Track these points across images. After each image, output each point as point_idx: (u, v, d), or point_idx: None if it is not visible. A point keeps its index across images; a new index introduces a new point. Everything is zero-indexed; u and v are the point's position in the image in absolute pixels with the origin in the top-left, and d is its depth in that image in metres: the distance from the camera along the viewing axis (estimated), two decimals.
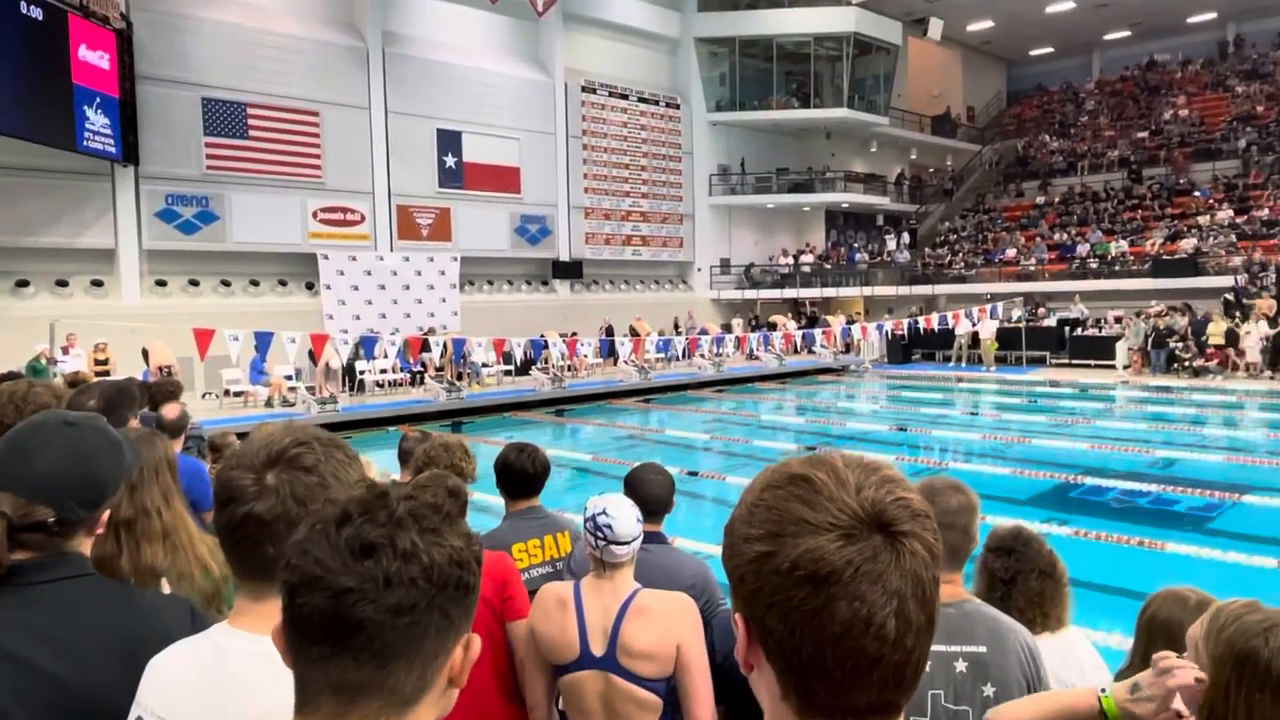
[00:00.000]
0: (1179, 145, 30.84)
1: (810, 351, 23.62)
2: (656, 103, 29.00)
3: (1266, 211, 25.64)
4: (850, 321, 26.23)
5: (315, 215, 21.28)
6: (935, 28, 32.23)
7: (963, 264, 30.01)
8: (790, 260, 31.01)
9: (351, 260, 21.73)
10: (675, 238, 29.69)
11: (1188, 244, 25.32)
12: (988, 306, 23.45)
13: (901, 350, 26.29)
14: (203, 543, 2.19)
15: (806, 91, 30.07)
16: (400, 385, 19.55)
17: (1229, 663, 1.46)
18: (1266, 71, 32.74)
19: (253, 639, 1.19)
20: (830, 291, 30.22)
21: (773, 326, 25.89)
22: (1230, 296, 22.21)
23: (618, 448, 13.87)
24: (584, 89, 26.87)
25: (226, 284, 20.25)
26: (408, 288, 22.71)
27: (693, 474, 11.12)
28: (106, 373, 14.39)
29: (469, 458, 3.35)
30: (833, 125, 31.07)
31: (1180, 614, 2.03)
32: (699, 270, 30.14)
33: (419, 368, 19.15)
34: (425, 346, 16.66)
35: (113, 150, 17.36)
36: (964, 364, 24.59)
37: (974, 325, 22.97)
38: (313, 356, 17.23)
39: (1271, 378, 19.19)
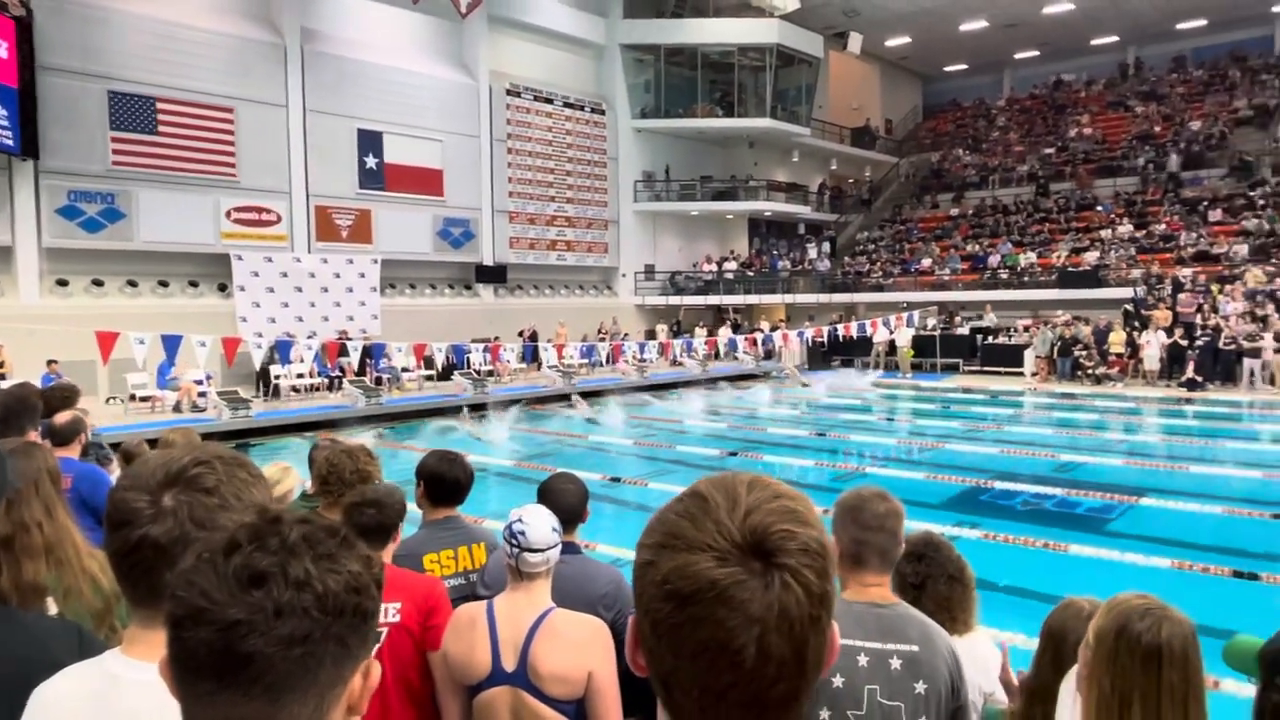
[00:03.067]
0: (1083, 162, 32.18)
1: (734, 358, 23.88)
2: (582, 108, 28.99)
3: (1164, 226, 26.93)
4: (773, 328, 26.64)
5: (229, 215, 20.63)
6: (855, 42, 33.00)
7: (881, 273, 30.74)
8: (714, 267, 31.33)
9: (267, 261, 21.13)
10: (600, 243, 29.71)
11: (1091, 256, 26.42)
12: (904, 315, 24.07)
13: (822, 357, 26.84)
14: (92, 557, 2.07)
15: (730, 101, 30.43)
16: (317, 390, 19.09)
17: (1110, 635, 1.67)
18: (1163, 93, 34.44)
19: (148, 668, 1.12)
20: (753, 299, 30.62)
21: (736, 326, 26.13)
22: (1130, 307, 23.26)
23: (541, 453, 13.79)
24: (509, 92, 26.70)
25: (133, 284, 19.48)
26: (326, 290, 22.19)
27: (615, 480, 11.12)
28: (2, 376, 13.72)
29: (373, 460, 3.27)
30: (756, 135, 31.51)
31: (1073, 624, 2.16)
32: (624, 276, 30.21)
33: (337, 372, 18.74)
34: (343, 350, 16.30)
35: (10, 143, 16.55)
36: (882, 370, 25.21)
37: (891, 333, 23.53)
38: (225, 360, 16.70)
39: (1167, 385, 20.14)
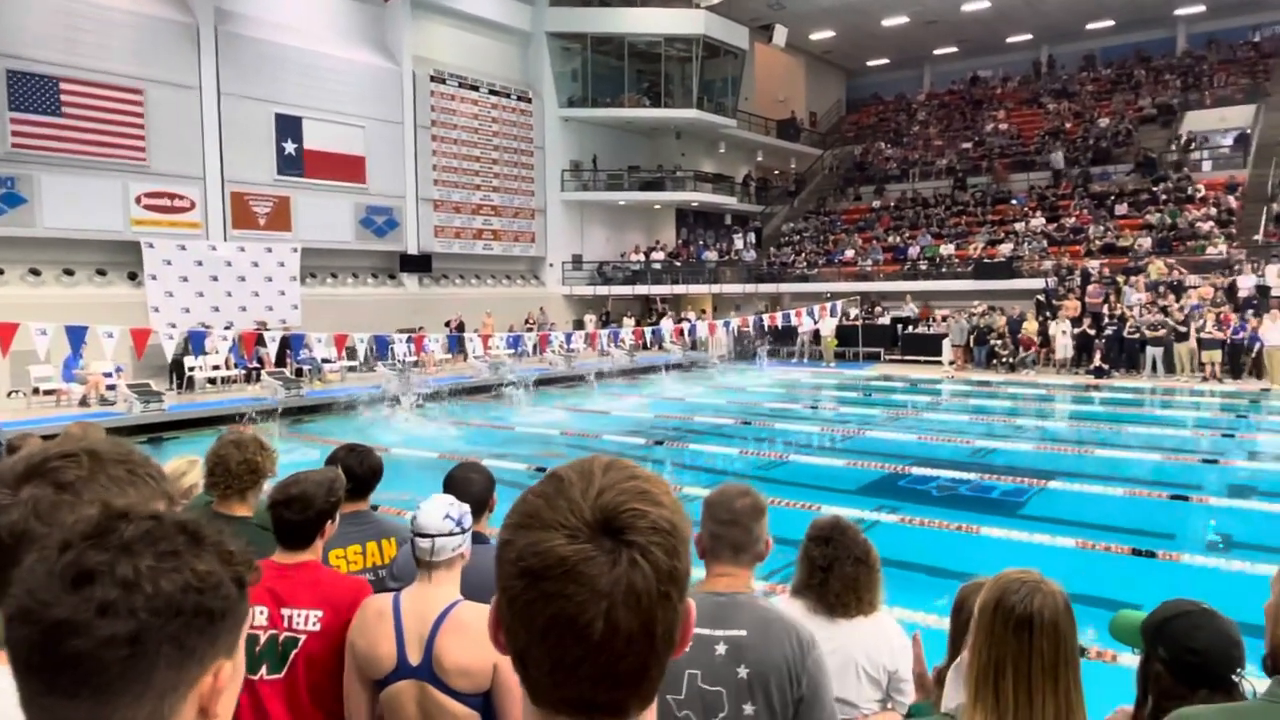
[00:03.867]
0: (999, 156, 33.12)
1: (660, 348, 23.96)
2: (508, 96, 28.70)
3: (1073, 220, 27.91)
4: (699, 317, 26.83)
5: (139, 200, 19.87)
6: (780, 34, 33.33)
7: (805, 264, 31.19)
8: (642, 257, 31.39)
9: (180, 249, 20.42)
10: (527, 233, 29.49)
11: (1006, 248, 27.24)
12: (828, 305, 24.47)
13: (748, 347, 27.16)
14: None
15: (657, 91, 30.47)
16: (234, 382, 18.55)
17: (990, 607, 1.75)
18: (1074, 91, 35.65)
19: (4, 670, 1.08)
20: (680, 288, 30.78)
21: (661, 316, 26.13)
22: (1042, 298, 24.07)
23: (468, 442, 13.64)
24: (433, 78, 26.27)
25: (36, 273, 18.63)
26: (243, 279, 21.55)
27: (540, 470, 11.07)
28: None
29: (265, 452, 3.15)
30: (683, 125, 31.63)
31: (971, 602, 2.23)
32: (551, 266, 30.05)
33: (255, 364, 18.23)
34: (260, 341, 15.85)
35: None
36: (806, 360, 25.63)
37: (815, 323, 23.90)
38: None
39: (1076, 373, 20.91)
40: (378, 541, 3.19)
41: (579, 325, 26.88)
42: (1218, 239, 24.40)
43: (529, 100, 29.31)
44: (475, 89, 27.59)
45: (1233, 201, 25.95)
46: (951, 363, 22.94)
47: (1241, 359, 19.41)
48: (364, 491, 3.21)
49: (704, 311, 30.29)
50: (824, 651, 2.43)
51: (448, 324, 23.32)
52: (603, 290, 30.37)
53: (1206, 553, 7.80)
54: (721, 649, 2.08)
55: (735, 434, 14.68)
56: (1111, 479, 10.39)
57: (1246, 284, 21.40)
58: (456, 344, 19.85)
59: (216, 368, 18.44)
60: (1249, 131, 28.48)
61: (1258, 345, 19.14)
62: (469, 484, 2.90)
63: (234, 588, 0.84)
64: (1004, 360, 21.99)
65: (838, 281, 28.98)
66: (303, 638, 2.49)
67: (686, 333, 22.52)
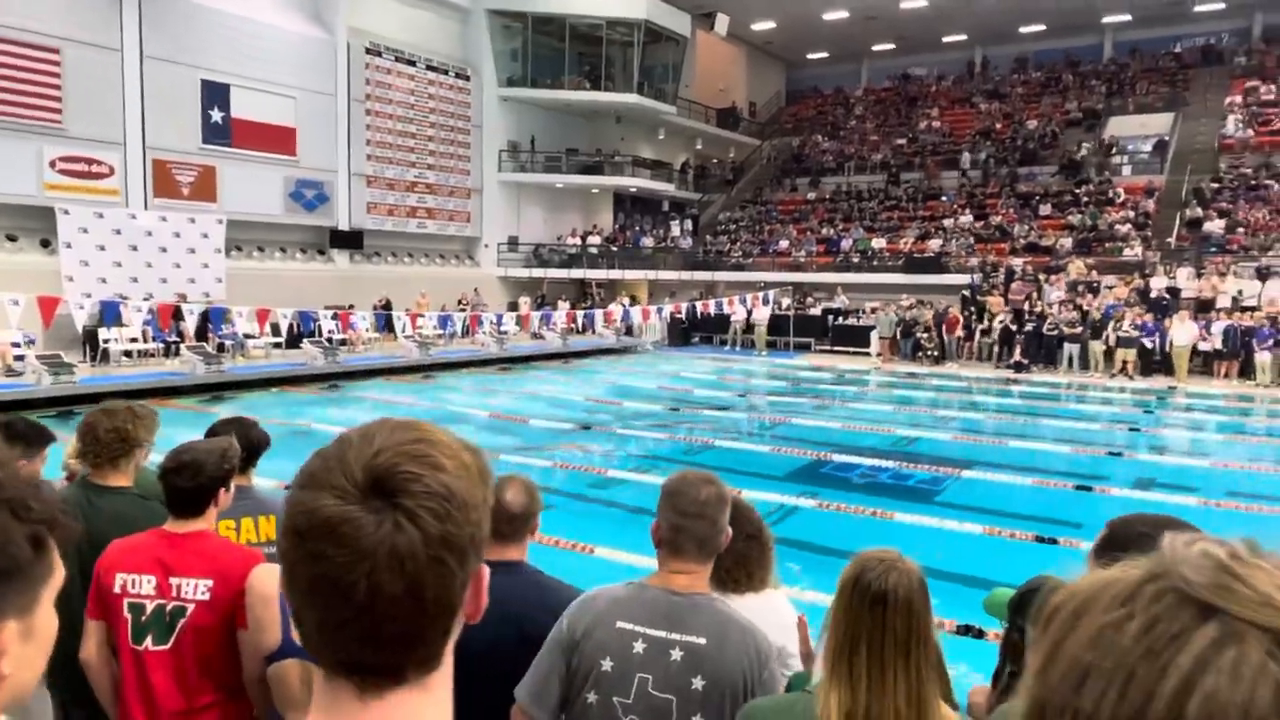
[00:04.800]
0: (931, 153, 33.79)
1: (593, 332, 23.95)
2: (446, 72, 28.27)
3: (1000, 218, 28.65)
4: (634, 301, 26.89)
5: (53, 165, 19.08)
6: (721, 23, 33.44)
7: (741, 253, 31.45)
8: (578, 241, 31.28)
9: (98, 217, 19.67)
10: (462, 212, 29.14)
11: (935, 244, 27.85)
12: (760, 294, 24.74)
13: (681, 333, 27.32)
14: None
15: (598, 74, 30.31)
16: (152, 356, 17.99)
17: (848, 584, 1.81)
18: (1005, 92, 36.52)
19: None
20: (616, 273, 30.78)
21: (634, 300, 26.07)
22: (967, 293, 24.70)
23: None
24: (368, 51, 25.72)
25: None
26: (164, 250, 20.87)
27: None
28: None
29: (137, 419, 3.04)
30: (623, 110, 31.52)
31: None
32: (486, 247, 29.77)
33: (174, 337, 17.70)
34: (178, 314, 15.38)
35: None
36: (738, 348, 25.89)
37: (748, 311, 24.15)
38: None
39: (997, 366, 21.52)
40: (254, 518, 3.11)
41: (513, 307, 26.71)
42: (1134, 241, 25.31)
43: (467, 78, 28.91)
44: (412, 64, 27.11)
45: (1150, 206, 26.93)
46: (879, 354, 23.41)
47: (1151, 357, 20.20)
48: (245, 465, 3.13)
49: (636, 297, 30.33)
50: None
51: (375, 304, 22.93)
52: (538, 273, 30.20)
53: None
54: (677, 655, 2.00)
55: (664, 419, 14.77)
56: (1023, 469, 10.76)
57: (1159, 285, 22.26)
58: (385, 323, 19.52)
59: (134, 340, 17.85)
60: (1167, 139, 29.55)
61: (1167, 344, 19.96)
62: None
63: (27, 545, 0.81)
64: (929, 353, 22.51)
65: (772, 271, 29.30)
66: (190, 607, 2.44)
67: (620, 318, 22.54)
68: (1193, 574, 0.45)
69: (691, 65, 34.34)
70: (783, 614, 2.62)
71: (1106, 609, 0.46)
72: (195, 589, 2.45)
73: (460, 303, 26.03)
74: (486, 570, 0.86)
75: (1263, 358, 18.99)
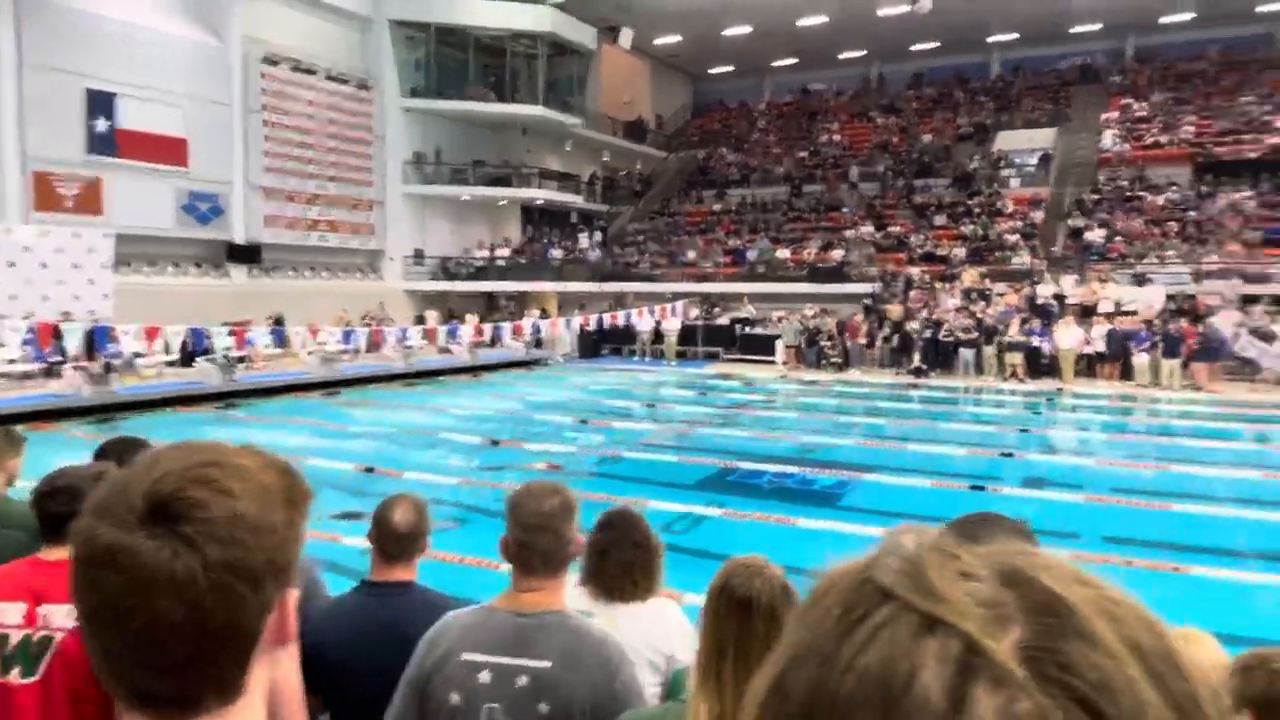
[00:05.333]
0: (831, 166, 34.71)
1: (501, 345, 23.74)
2: (347, 82, 27.72)
3: (899, 229, 29.60)
4: (544, 313, 26.80)
5: None
6: (626, 37, 33.72)
7: (649, 264, 31.68)
8: (486, 253, 31.01)
9: None
10: (365, 225, 28.58)
11: (837, 254, 28.59)
12: (669, 305, 24.94)
13: (591, 345, 27.33)
14: None
15: (503, 86, 30.18)
16: (31, 378, 17.06)
17: (715, 590, 1.84)
18: (900, 108, 37.81)
19: None
20: (525, 286, 30.63)
21: (544, 312, 25.75)
22: (869, 301, 25.41)
23: (295, 444, 13.08)
24: (265, 60, 25.03)
25: None
26: (46, 266, 19.79)
27: (369, 470, 10.78)
28: None
29: (11, 444, 2.92)
30: (529, 122, 31.44)
31: None
32: (391, 260, 29.25)
33: (57, 357, 16.83)
34: (57, 333, 14.63)
35: None
36: (648, 358, 26.04)
37: (655, 322, 24.33)
38: None
39: (897, 373, 22.18)
40: None
41: (420, 321, 26.28)
42: (1023, 250, 26.47)
43: (369, 88, 28.41)
44: (311, 74, 26.50)
45: (1036, 216, 28.22)
46: (785, 363, 23.87)
47: (1040, 361, 21.13)
48: None
49: (545, 310, 30.22)
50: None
51: (268, 319, 22.06)
52: (445, 286, 29.82)
53: None
54: (523, 681, 1.96)
55: (574, 431, 14.74)
56: (922, 471, 11.11)
57: (1045, 292, 23.32)
58: (280, 338, 18.91)
59: (12, 361, 16.89)
60: (1051, 152, 31.03)
61: (1054, 349, 20.93)
62: None
63: None
64: (832, 361, 23.07)
65: (680, 282, 29.58)
66: (58, 635, 2.32)
67: (529, 330, 22.42)
68: (886, 564, 0.47)
69: (597, 78, 34.53)
70: (671, 621, 2.65)
71: (823, 596, 0.48)
72: (64, 616, 2.33)
73: (364, 318, 25.47)
74: (295, 594, 0.85)
75: (1140, 360, 20.08)
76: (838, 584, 0.48)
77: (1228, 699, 2.04)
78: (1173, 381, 19.56)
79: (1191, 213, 26.08)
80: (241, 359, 19.23)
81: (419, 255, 29.79)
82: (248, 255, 24.72)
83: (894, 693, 0.41)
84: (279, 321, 21.03)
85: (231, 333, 16.66)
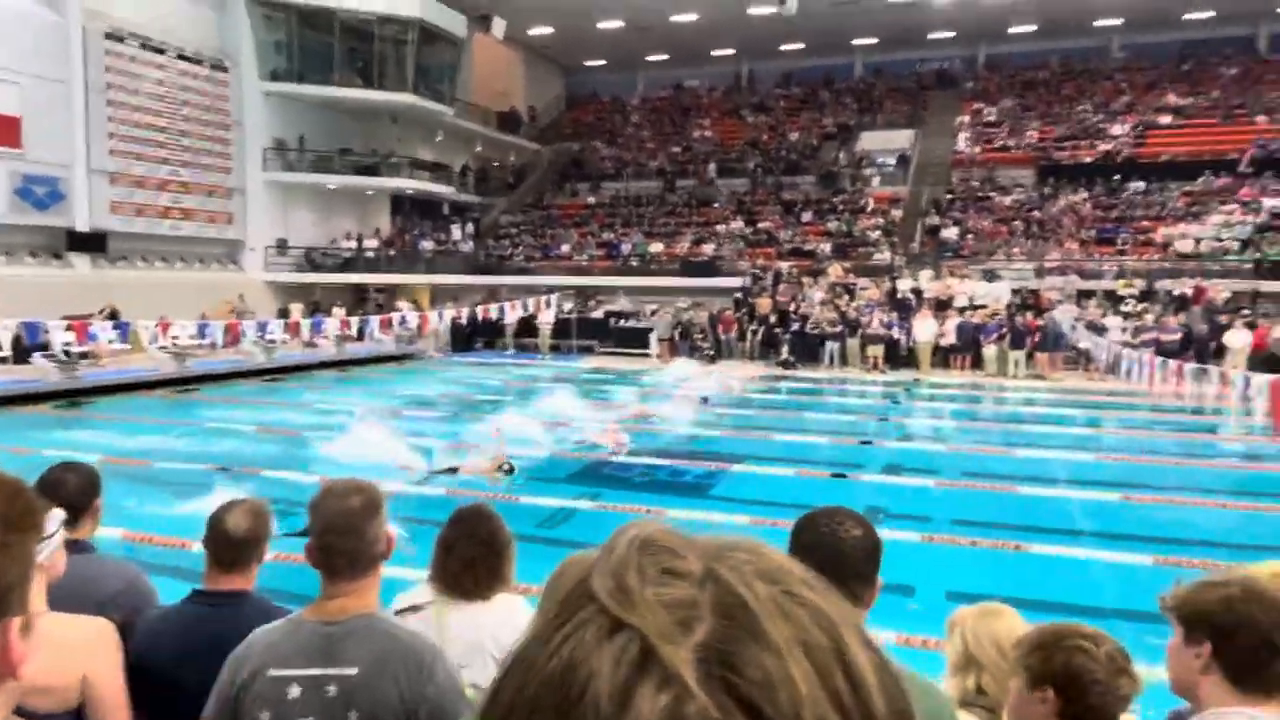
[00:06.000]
0: (703, 161, 35.24)
1: (371, 339, 23.05)
2: (200, 63, 26.25)
3: (768, 224, 30.34)
4: (414, 307, 26.18)
5: None
6: (498, 26, 33.24)
7: (523, 257, 31.41)
8: (354, 244, 30.03)
9: None
10: (223, 213, 27.19)
11: (709, 248, 29.07)
12: (544, 298, 24.80)
13: (465, 338, 26.89)
14: None
15: (371, 72, 29.21)
16: None
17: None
18: (770, 105, 38.72)
19: None
20: (396, 278, 29.84)
21: (415, 305, 24.85)
22: (739, 295, 25.95)
23: (141, 445, 12.31)
24: (109, 36, 23.42)
25: None
26: None
27: (223, 469, 10.27)
28: None
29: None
30: (398, 110, 30.57)
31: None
32: (252, 250, 27.93)
33: None
34: None
35: None
36: (525, 352, 25.84)
37: (526, 314, 24.15)
38: None
39: (766, 365, 22.75)
40: None
41: (284, 314, 25.22)
42: (883, 246, 27.60)
43: (225, 70, 27.00)
44: (161, 52, 24.96)
45: (896, 214, 29.45)
46: (658, 355, 24.11)
47: (899, 353, 22.09)
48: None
49: (417, 302, 29.51)
50: (454, 636, 2.40)
51: (101, 311, 20.43)
52: (311, 278, 28.71)
53: None
54: (332, 690, 1.90)
55: (443, 426, 14.45)
56: (788, 460, 11.42)
57: (904, 287, 24.38)
58: (125, 333, 17.71)
59: None
60: (909, 153, 32.44)
61: (912, 340, 21.92)
62: (60, 485, 2.59)
63: None
64: (705, 353, 23.45)
65: (554, 275, 29.44)
66: None
67: (397, 323, 21.85)
68: (601, 564, 0.48)
69: (470, 67, 33.93)
70: (519, 618, 2.61)
71: (549, 595, 0.49)
72: None
73: (225, 309, 24.24)
74: (15, 623, 0.78)
75: (990, 350, 21.27)
76: (564, 583, 0.49)
77: (1006, 672, 2.15)
78: (1018, 371, 20.81)
79: (1035, 213, 27.80)
80: (85, 355, 17.97)
81: (282, 245, 28.56)
82: (92, 244, 23.12)
83: (570, 696, 0.42)
84: (114, 315, 19.66)
85: (69, 327, 15.54)
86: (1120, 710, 1.98)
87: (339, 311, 24.83)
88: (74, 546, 2.36)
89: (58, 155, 22.28)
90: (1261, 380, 13.65)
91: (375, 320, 21.16)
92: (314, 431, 13.50)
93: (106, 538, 6.85)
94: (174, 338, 18.01)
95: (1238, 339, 19.81)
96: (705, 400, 16.29)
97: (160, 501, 8.76)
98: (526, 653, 0.46)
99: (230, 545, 2.34)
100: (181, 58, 25.59)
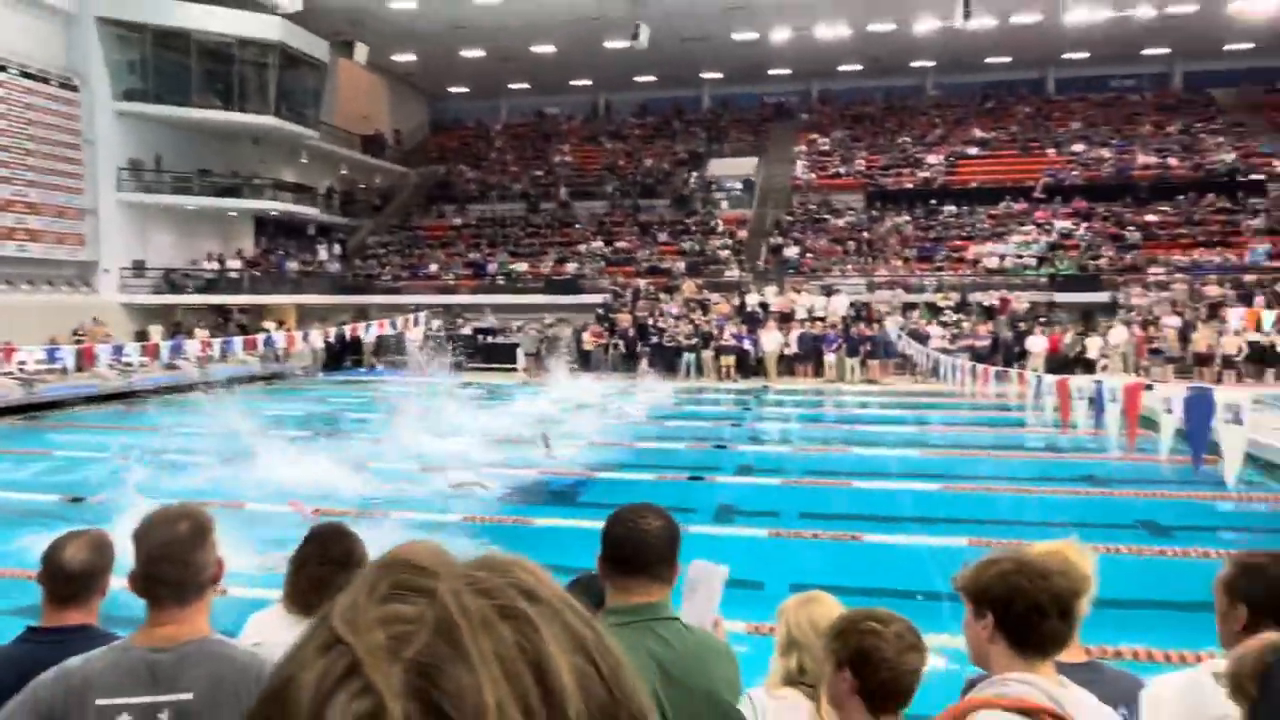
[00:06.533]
0: (565, 185, 35.28)
1: (236, 360, 21.85)
2: (47, 81, 24.30)
3: (626, 244, 30.65)
4: (280, 326, 25.01)
5: None
6: (361, 52, 32.33)
7: (391, 276, 30.55)
8: (216, 265, 28.41)
9: None
10: (74, 234, 25.20)
11: (571, 267, 29.10)
12: (411, 316, 24.20)
13: (335, 357, 25.90)
14: None
15: (231, 93, 27.74)
16: None
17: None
18: (626, 133, 39.19)
19: None
20: (261, 298, 28.41)
21: (281, 325, 23.42)
22: (601, 310, 26.09)
23: None
24: None
25: None
26: None
27: (77, 499, 9.49)
28: None
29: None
30: (260, 132, 29.19)
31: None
32: (106, 272, 25.99)
33: None
34: None
35: None
36: (380, 369, 25.07)
37: (394, 332, 23.55)
38: None
39: (627, 376, 22.92)
40: None
41: (142, 337, 23.59)
42: (732, 264, 28.37)
43: (75, 89, 25.09)
44: (2, 69, 22.96)
45: (743, 234, 30.35)
46: (525, 369, 23.93)
47: (749, 362, 22.73)
48: None
49: (283, 322, 28.21)
50: None
51: None
52: (172, 299, 26.95)
53: (714, 523, 8.97)
54: (165, 717, 1.79)
55: (315, 445, 13.84)
56: (649, 467, 11.55)
57: (752, 301, 25.14)
58: None
59: None
60: (754, 179, 33.51)
61: (760, 351, 22.59)
62: None
63: None
64: (570, 367, 23.42)
65: (423, 294, 28.77)
66: None
67: (262, 344, 20.82)
68: (349, 587, 0.50)
69: (334, 91, 32.77)
70: None
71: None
72: None
73: (76, 333, 22.43)
74: None
75: (830, 359, 22.19)
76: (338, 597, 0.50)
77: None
78: (854, 377, 21.79)
79: (865, 233, 29.22)
80: None
81: (139, 267, 26.70)
82: None
83: (281, 707, 0.44)
84: None
85: None
86: (912, 682, 2.06)
87: (202, 333, 23.43)
88: None
89: None
90: (1050, 380, 14.76)
91: (238, 341, 20.07)
92: (177, 454, 12.67)
93: None
94: (20, 363, 16.53)
95: (1037, 344, 21.45)
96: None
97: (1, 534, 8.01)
98: (279, 663, 0.47)
99: (68, 579, 2.16)
100: (26, 75, 23.61)
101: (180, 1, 26.29)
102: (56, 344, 18.19)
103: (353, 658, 0.44)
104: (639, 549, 2.11)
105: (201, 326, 26.16)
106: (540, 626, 0.47)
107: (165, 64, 26.53)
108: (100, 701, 1.77)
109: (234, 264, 28.69)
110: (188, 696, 1.80)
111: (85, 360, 17.25)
